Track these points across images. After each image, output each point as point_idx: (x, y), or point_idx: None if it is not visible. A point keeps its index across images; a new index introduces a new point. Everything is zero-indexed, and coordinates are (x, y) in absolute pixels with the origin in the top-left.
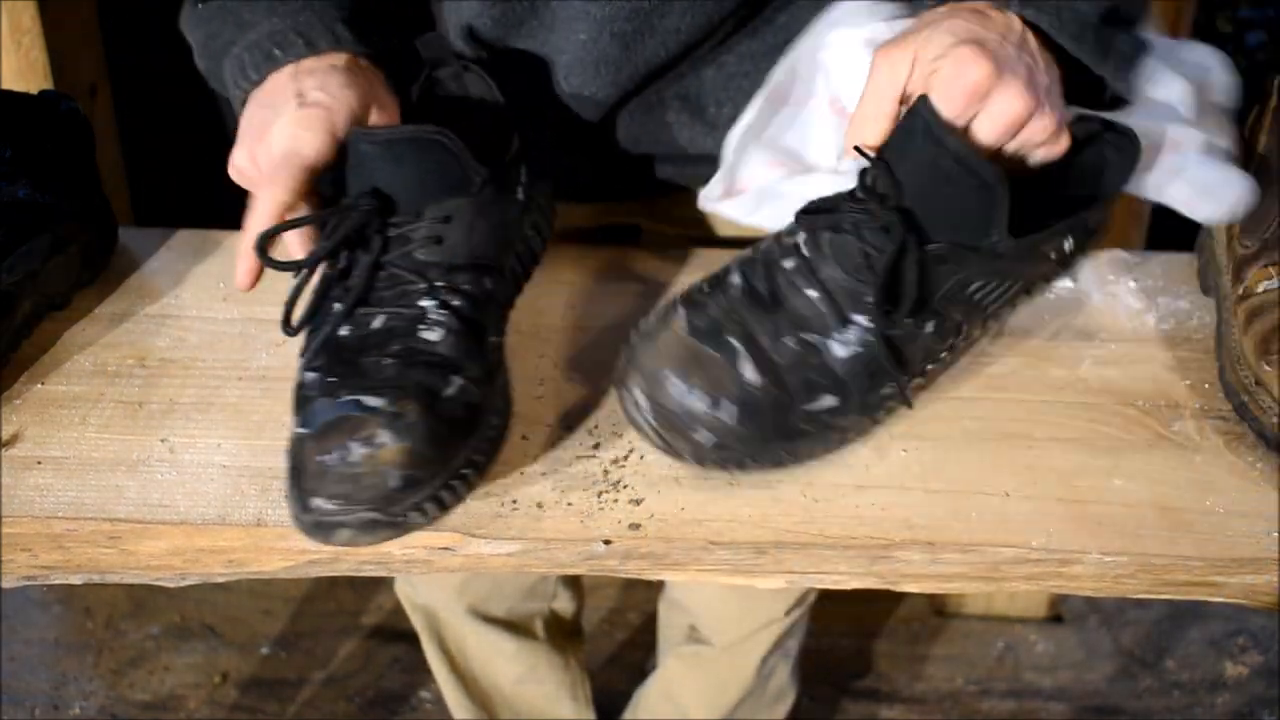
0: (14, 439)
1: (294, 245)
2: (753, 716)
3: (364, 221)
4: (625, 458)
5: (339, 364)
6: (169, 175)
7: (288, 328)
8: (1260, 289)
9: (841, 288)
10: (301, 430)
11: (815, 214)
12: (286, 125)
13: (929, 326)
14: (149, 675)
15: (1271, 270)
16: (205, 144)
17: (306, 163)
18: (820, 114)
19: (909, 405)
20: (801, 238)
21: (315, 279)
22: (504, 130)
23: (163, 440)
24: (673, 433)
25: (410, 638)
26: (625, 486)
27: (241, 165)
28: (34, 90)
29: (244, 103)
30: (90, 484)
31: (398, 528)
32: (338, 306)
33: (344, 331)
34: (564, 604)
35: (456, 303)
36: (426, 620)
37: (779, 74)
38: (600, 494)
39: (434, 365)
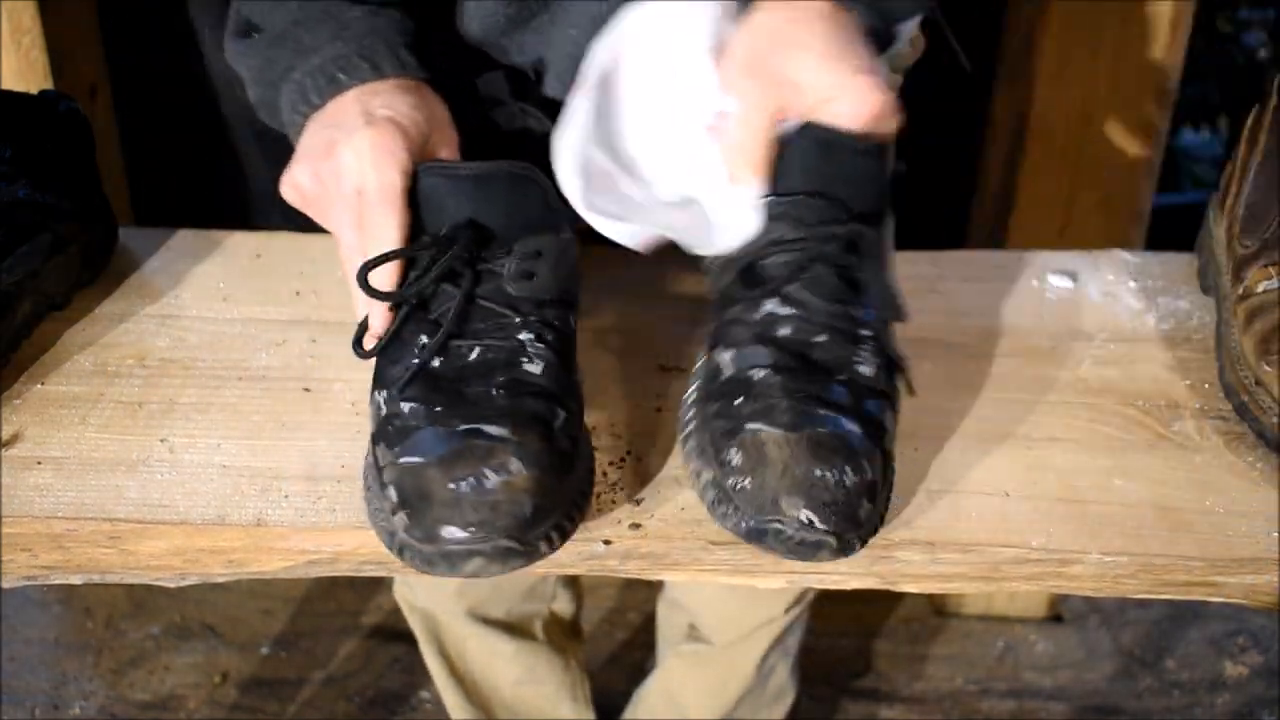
0: (14, 439)
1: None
2: (753, 715)
3: (460, 254)
4: (623, 458)
5: (438, 394)
6: (169, 175)
7: (359, 350)
8: (1260, 289)
9: (839, 315)
10: (414, 459)
11: (770, 278)
12: (362, 145)
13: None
14: (149, 675)
15: (1271, 270)
16: (205, 144)
17: (405, 187)
18: (630, 111)
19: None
20: (773, 304)
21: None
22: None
23: (162, 440)
24: (855, 528)
25: (410, 638)
26: (625, 487)
27: (304, 184)
28: (34, 90)
29: (302, 129)
30: (90, 484)
31: (528, 556)
32: (423, 338)
33: (436, 363)
34: (563, 605)
35: (550, 337)
36: (425, 623)
37: (595, 65)
38: (600, 494)
39: (541, 396)
